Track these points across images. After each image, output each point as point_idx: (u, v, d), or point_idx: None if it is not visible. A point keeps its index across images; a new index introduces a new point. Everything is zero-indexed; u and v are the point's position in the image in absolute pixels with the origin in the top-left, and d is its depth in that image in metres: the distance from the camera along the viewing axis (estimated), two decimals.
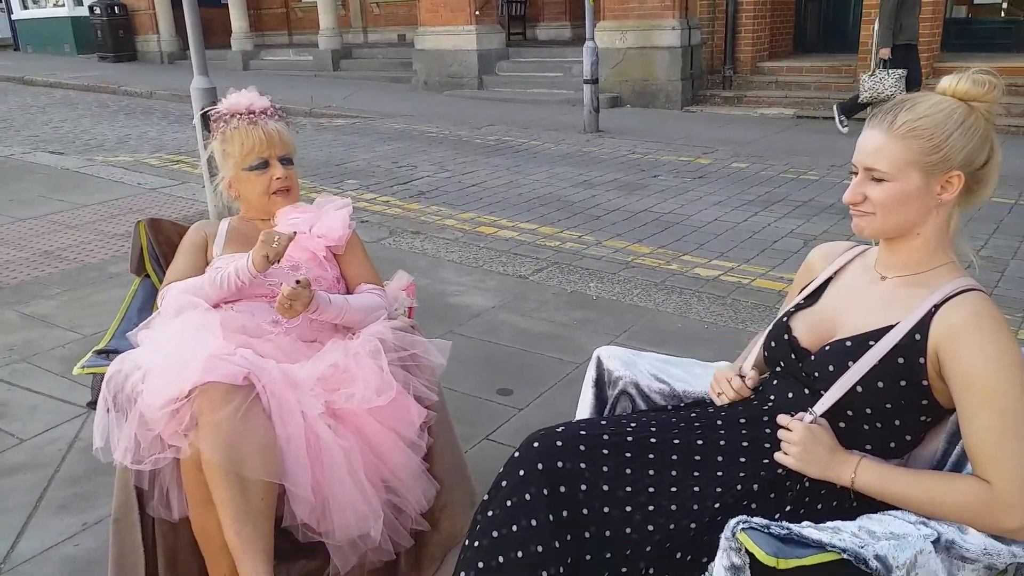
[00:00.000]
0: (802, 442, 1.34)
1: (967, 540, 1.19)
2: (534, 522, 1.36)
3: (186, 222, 2.26)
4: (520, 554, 1.34)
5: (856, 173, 1.39)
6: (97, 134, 9.05)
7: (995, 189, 1.39)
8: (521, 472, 1.40)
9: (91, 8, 16.68)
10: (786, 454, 1.36)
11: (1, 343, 3.40)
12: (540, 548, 1.34)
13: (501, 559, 1.35)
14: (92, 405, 1.80)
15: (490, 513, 1.40)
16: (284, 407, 1.68)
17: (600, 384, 1.78)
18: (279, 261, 1.89)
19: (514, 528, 1.36)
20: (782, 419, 1.39)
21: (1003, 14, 10.04)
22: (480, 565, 1.36)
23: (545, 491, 1.38)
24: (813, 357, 1.44)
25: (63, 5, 18.18)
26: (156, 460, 1.66)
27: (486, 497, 1.44)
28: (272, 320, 1.91)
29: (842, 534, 1.17)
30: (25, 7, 19.19)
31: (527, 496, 1.38)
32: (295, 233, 1.93)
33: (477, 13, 11.28)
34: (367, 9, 16.64)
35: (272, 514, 1.65)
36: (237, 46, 15.25)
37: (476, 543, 1.39)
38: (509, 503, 1.38)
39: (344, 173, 6.78)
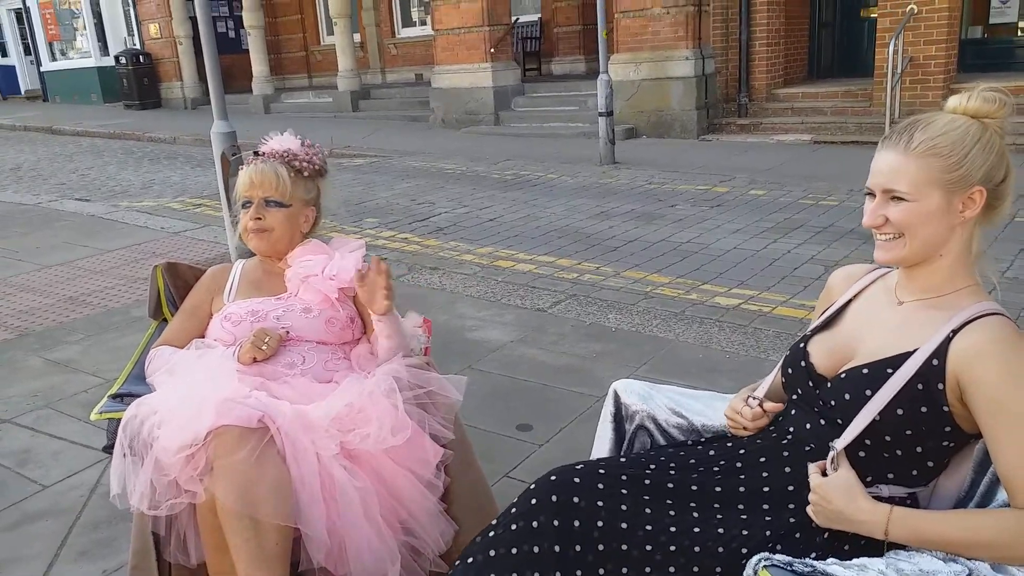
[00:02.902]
0: (819, 501, 1.31)
1: None
2: (536, 549, 1.33)
3: (207, 264, 2.28)
4: None
5: (872, 195, 1.37)
6: (122, 180, 9.23)
7: (1014, 207, 1.37)
8: (533, 501, 1.38)
9: (117, 58, 17.14)
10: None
11: (26, 389, 3.44)
12: (537, 575, 1.31)
13: None
14: (107, 449, 1.81)
15: (491, 534, 1.38)
16: (298, 449, 1.67)
17: (618, 419, 1.75)
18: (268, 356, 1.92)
19: (514, 551, 1.33)
20: (810, 468, 1.35)
21: (1020, 33, 9.98)
22: None
23: (555, 522, 1.35)
24: (829, 384, 1.41)
25: (90, 55, 18.71)
26: (172, 505, 1.66)
27: (492, 523, 1.42)
28: (287, 363, 1.91)
29: (869, 572, 1.13)
30: (53, 59, 19.77)
31: (534, 524, 1.35)
32: (287, 332, 1.96)
33: (492, 51, 11.43)
34: (385, 50, 16.94)
35: (288, 558, 1.63)
36: (258, 90, 15.56)
37: (470, 559, 1.36)
38: (514, 527, 1.36)
39: (363, 211, 6.84)
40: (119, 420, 1.76)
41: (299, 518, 1.64)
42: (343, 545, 1.68)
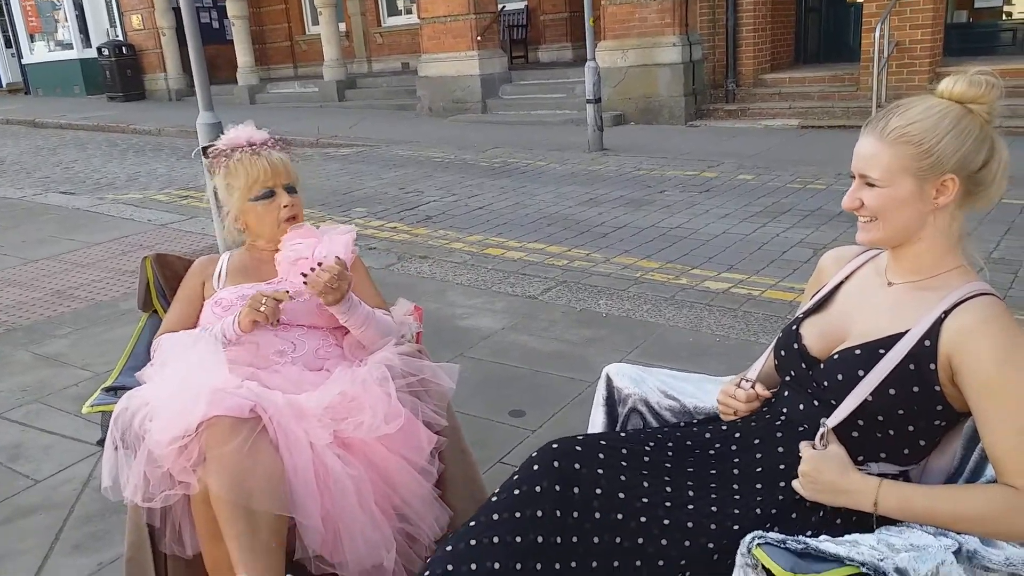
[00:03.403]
0: (810, 472, 1.32)
1: (989, 550, 1.16)
2: (540, 513, 1.35)
3: (194, 256, 2.27)
4: (519, 539, 1.33)
5: (855, 178, 1.38)
6: (107, 173, 9.15)
7: (1003, 190, 1.36)
8: (535, 467, 1.40)
9: (99, 49, 16.96)
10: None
11: (15, 384, 3.42)
12: (539, 539, 1.33)
13: (496, 539, 1.33)
14: (102, 443, 1.80)
15: (494, 499, 1.39)
16: (291, 438, 1.67)
17: (611, 403, 1.76)
18: (275, 323, 1.91)
19: (517, 515, 1.35)
20: (801, 446, 1.36)
21: (1004, 17, 10.02)
22: (472, 542, 1.34)
23: (557, 487, 1.37)
24: (822, 366, 1.42)
25: (72, 47, 18.50)
26: (166, 497, 1.65)
27: (496, 489, 1.43)
28: (277, 350, 1.90)
29: (861, 547, 1.14)
30: (35, 51, 19.54)
31: (537, 488, 1.37)
32: (287, 293, 1.94)
33: (479, 39, 11.38)
34: (370, 39, 16.82)
35: (283, 547, 1.63)
36: (243, 81, 15.43)
37: (472, 523, 1.38)
38: (517, 491, 1.38)
39: (351, 201, 6.82)
40: (111, 413, 1.75)
41: (293, 507, 1.64)
42: (338, 533, 1.68)
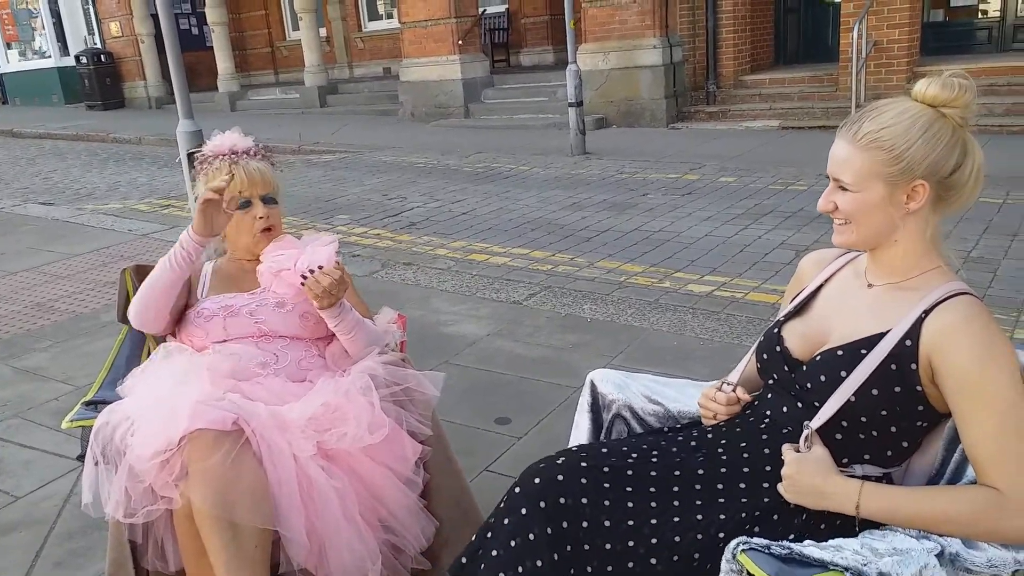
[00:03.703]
0: (792, 475, 1.32)
1: (972, 552, 1.17)
2: (539, 563, 1.34)
3: None
4: None
5: (831, 181, 1.39)
6: (87, 183, 9.07)
7: (978, 192, 1.37)
8: (523, 511, 1.39)
9: (77, 58, 16.81)
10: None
11: None
12: None
13: None
14: (82, 458, 1.78)
15: (493, 553, 1.38)
16: (274, 450, 1.66)
17: (595, 409, 1.76)
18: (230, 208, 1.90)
19: (520, 570, 1.34)
20: (784, 449, 1.36)
21: (980, 15, 10.14)
22: None
23: (549, 530, 1.36)
24: (805, 368, 1.42)
25: (49, 56, 18.33)
26: (148, 512, 1.64)
27: (488, 534, 1.42)
28: (260, 362, 1.89)
29: (844, 552, 1.15)
30: (12, 60, 19.35)
31: (531, 536, 1.36)
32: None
33: (460, 43, 11.39)
34: (351, 44, 16.79)
35: (267, 560, 1.62)
36: (224, 88, 15.36)
37: None
38: (513, 543, 1.37)
39: (334, 208, 6.79)
40: (92, 428, 1.73)
41: (278, 520, 1.63)
42: (323, 546, 1.67)
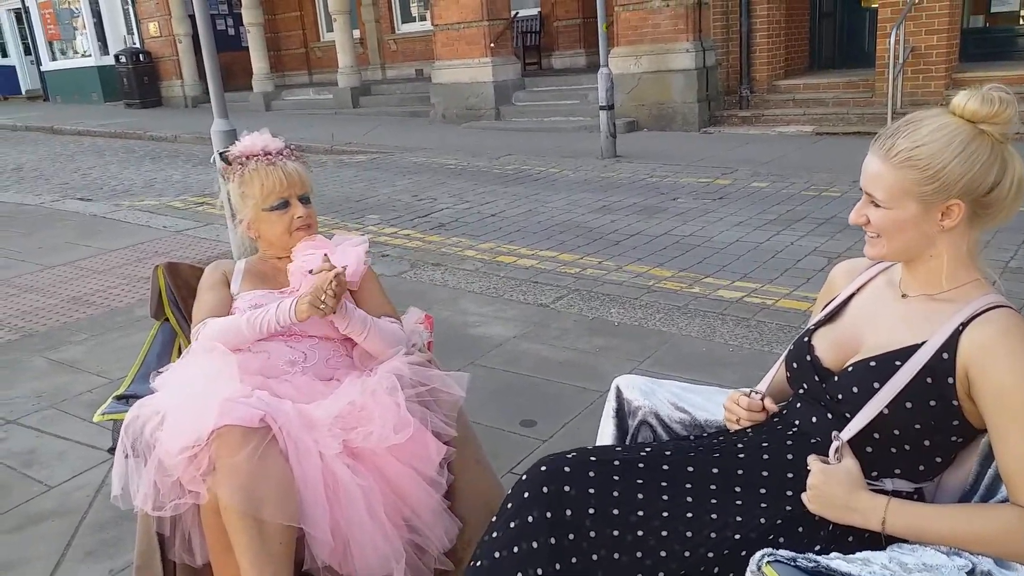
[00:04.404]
0: (819, 486, 1.29)
1: (1004, 572, 1.14)
2: (535, 544, 1.34)
3: (206, 262, 2.28)
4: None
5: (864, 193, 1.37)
6: (124, 179, 9.24)
7: (1018, 207, 1.32)
8: (525, 495, 1.39)
9: (117, 57, 17.15)
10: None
11: (30, 390, 3.45)
12: (540, 571, 1.32)
13: None
14: (112, 451, 1.81)
15: (494, 534, 1.39)
16: (301, 448, 1.67)
17: (620, 415, 1.75)
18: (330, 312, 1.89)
19: (515, 550, 1.35)
20: (810, 460, 1.34)
21: (1021, 22, 9.94)
22: None
23: (548, 514, 1.36)
24: (836, 378, 1.40)
25: (90, 55, 18.71)
26: (176, 506, 1.66)
27: (493, 519, 1.44)
28: (288, 360, 1.91)
29: (872, 566, 1.13)
30: (54, 58, 19.77)
31: (529, 519, 1.36)
32: (345, 268, 1.93)
33: (492, 45, 11.41)
34: (385, 46, 16.91)
35: (292, 557, 1.64)
36: (259, 87, 15.56)
37: (478, 563, 1.38)
38: (512, 524, 1.37)
39: (365, 208, 6.84)
40: (122, 421, 1.76)
41: (303, 518, 1.64)
42: (347, 544, 1.69)
